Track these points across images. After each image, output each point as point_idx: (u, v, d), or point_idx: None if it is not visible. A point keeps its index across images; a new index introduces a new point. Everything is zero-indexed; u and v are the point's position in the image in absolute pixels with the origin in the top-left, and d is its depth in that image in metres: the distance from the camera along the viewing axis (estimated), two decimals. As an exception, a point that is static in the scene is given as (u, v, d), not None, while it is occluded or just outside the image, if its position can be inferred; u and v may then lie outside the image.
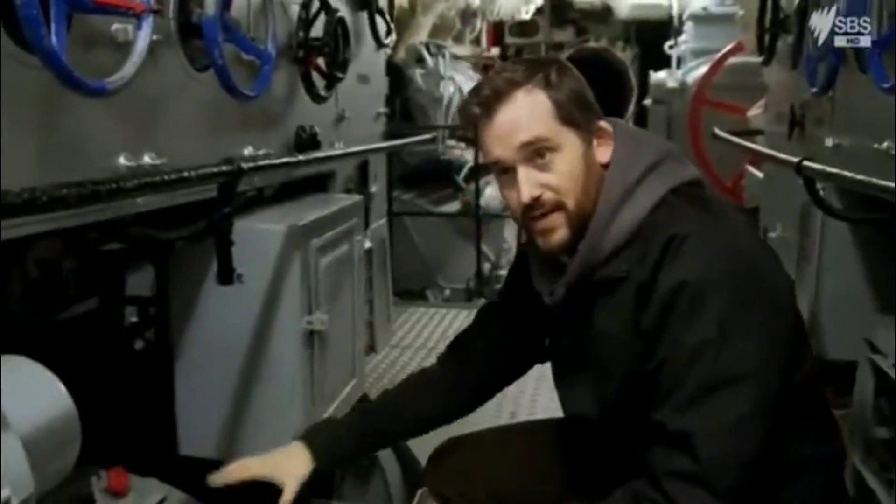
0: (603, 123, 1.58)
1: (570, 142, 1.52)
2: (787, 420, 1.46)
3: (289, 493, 1.68)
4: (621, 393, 1.57)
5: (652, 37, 9.28)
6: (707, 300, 1.39)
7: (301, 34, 2.91)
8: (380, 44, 4.27)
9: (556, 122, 1.51)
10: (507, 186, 1.56)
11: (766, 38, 3.60)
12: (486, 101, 1.53)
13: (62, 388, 1.56)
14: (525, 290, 1.73)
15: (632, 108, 9.65)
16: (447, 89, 6.67)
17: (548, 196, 1.52)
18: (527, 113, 1.51)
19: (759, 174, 4.34)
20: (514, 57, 11.38)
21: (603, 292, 1.55)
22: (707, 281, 1.40)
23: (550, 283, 1.64)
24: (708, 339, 1.39)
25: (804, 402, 1.53)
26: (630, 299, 1.50)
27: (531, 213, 1.53)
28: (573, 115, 1.52)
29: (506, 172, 1.55)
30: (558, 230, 1.54)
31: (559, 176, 1.51)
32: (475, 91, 1.56)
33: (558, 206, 1.52)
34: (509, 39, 10.64)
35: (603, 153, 1.57)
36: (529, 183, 1.51)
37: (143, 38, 1.75)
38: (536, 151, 1.51)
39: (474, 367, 1.89)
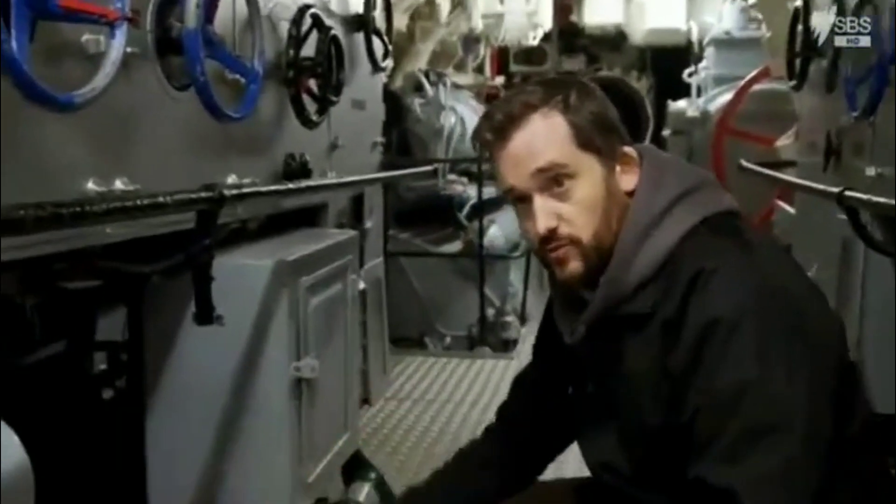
0: (628, 149, 1.56)
1: (589, 168, 1.51)
2: (838, 477, 1.40)
3: None
4: (653, 445, 1.52)
5: (669, 64, 9.36)
6: (742, 336, 1.36)
7: (291, 53, 2.91)
8: (376, 67, 4.27)
9: (574, 147, 1.50)
10: (524, 216, 1.55)
11: (797, 61, 3.59)
12: (499, 126, 1.53)
13: (15, 439, 1.50)
14: (554, 338, 1.71)
15: (648, 140, 9.69)
16: (448, 120, 6.69)
17: (563, 229, 1.51)
18: (543, 138, 1.50)
19: (791, 209, 4.30)
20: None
21: (628, 330, 1.52)
22: (741, 315, 1.37)
23: (572, 320, 1.61)
24: (746, 379, 1.35)
25: (856, 460, 1.47)
26: (658, 337, 1.47)
27: (546, 244, 1.53)
28: (593, 139, 1.52)
29: (522, 201, 1.55)
30: (572, 262, 1.53)
31: (577, 206, 1.51)
32: (488, 115, 1.56)
33: (572, 241, 1.52)
34: (514, 67, 10.73)
35: (628, 181, 1.55)
36: (545, 213, 1.51)
37: (117, 48, 1.73)
38: (553, 179, 1.51)
39: (521, 442, 1.88)
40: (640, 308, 1.50)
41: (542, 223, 1.50)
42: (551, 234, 1.51)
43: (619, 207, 1.53)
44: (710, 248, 1.46)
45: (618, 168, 1.54)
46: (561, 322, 1.66)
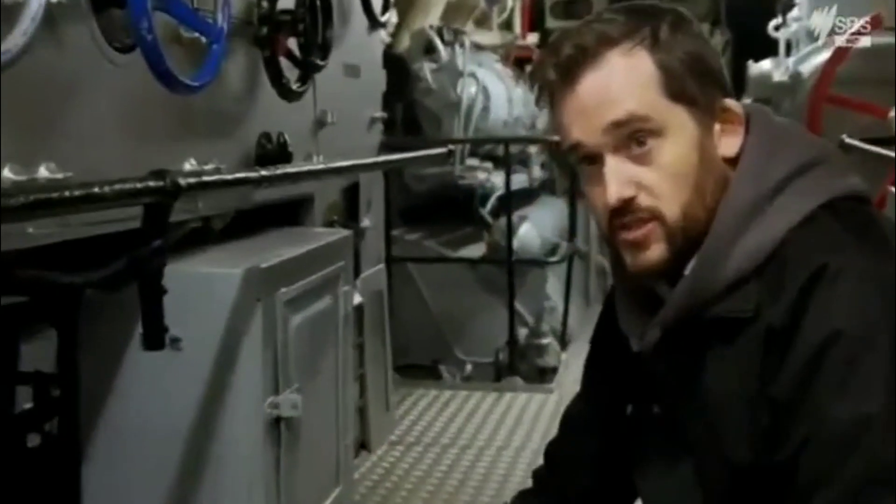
0: (731, 103, 1.55)
1: (680, 124, 1.49)
2: None
3: None
4: (737, 487, 1.50)
5: (749, 15, 9.29)
6: (870, 359, 1.35)
7: (265, 5, 2.92)
8: (375, 22, 4.28)
9: (662, 96, 1.48)
10: (591, 182, 1.53)
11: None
12: (566, 62, 1.50)
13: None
14: (614, 349, 1.70)
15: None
16: (467, 90, 6.69)
17: (643, 200, 1.49)
18: (622, 81, 1.48)
19: (909, 198, 4.27)
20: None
21: (717, 339, 1.50)
22: (872, 332, 1.36)
23: (643, 322, 1.59)
24: (871, 413, 1.34)
25: None
26: (756, 350, 1.45)
27: (619, 219, 1.51)
28: (688, 87, 1.49)
29: (590, 163, 1.53)
30: (653, 245, 1.50)
31: (661, 171, 1.48)
32: (554, 48, 1.53)
33: (654, 216, 1.50)
34: (552, 23, 10.70)
35: (728, 144, 1.54)
36: (619, 179, 1.48)
37: (38, -2, 1.73)
38: (632, 136, 1.48)
39: (580, 494, 1.87)
40: (738, 311, 1.48)
41: (615, 191, 1.47)
42: (626, 206, 1.49)
43: (715, 178, 1.51)
44: (835, 241, 1.44)
45: (717, 127, 1.53)
46: (628, 323, 1.64)
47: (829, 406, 1.36)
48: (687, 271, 1.52)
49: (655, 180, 1.48)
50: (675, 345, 1.55)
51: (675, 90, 1.48)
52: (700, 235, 1.50)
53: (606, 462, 1.82)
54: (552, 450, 1.93)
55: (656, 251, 1.50)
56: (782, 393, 1.40)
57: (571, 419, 1.91)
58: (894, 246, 1.46)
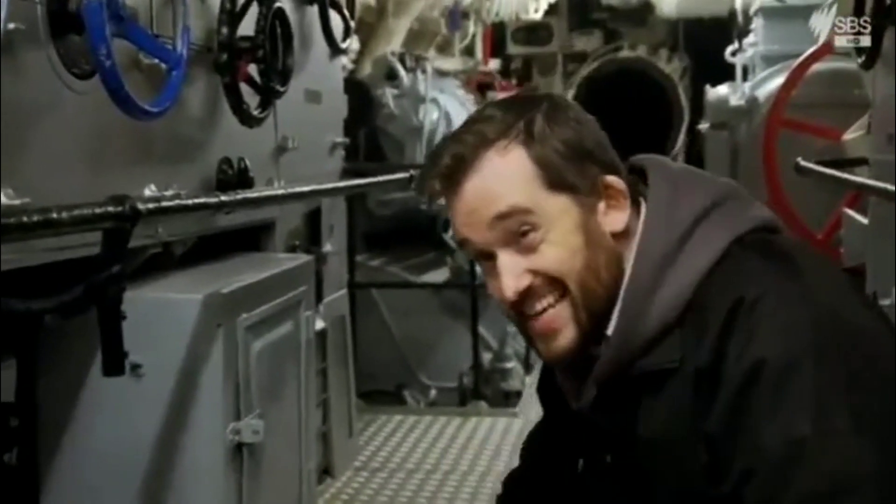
0: (613, 180, 1.56)
1: (562, 211, 1.52)
2: None
3: None
4: None
5: (707, 41, 9.40)
6: (796, 383, 1.36)
7: (225, 31, 2.91)
8: (336, 49, 4.28)
9: (541, 187, 1.51)
10: (489, 276, 1.57)
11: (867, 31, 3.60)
12: (447, 172, 1.54)
13: None
14: (560, 403, 1.71)
15: (682, 137, 9.72)
16: (429, 116, 6.72)
17: (541, 282, 1.52)
18: (501, 178, 1.52)
19: (863, 220, 4.31)
20: (518, 70, 11.55)
21: (648, 389, 1.52)
22: (794, 356, 1.37)
23: (577, 382, 1.61)
24: (802, 436, 1.35)
25: None
26: (685, 394, 1.46)
27: (523, 308, 1.54)
28: (566, 175, 1.52)
29: (485, 259, 1.56)
30: (563, 330, 1.53)
31: (551, 258, 1.51)
32: (434, 158, 1.57)
33: (557, 291, 1.52)
34: (513, 49, 10.78)
35: (614, 220, 1.56)
36: (513, 272, 1.51)
37: (-5, 24, 1.72)
38: (517, 230, 1.52)
39: None
40: (663, 363, 1.49)
41: (511, 285, 1.50)
42: (526, 294, 1.51)
43: (606, 255, 1.53)
44: (748, 274, 1.46)
45: (601, 205, 1.55)
46: (564, 382, 1.66)
47: (761, 435, 1.37)
48: (609, 331, 1.53)
49: (547, 265, 1.50)
50: (610, 398, 1.56)
51: (553, 180, 1.51)
52: (601, 310, 1.52)
53: (561, 490, 1.83)
54: (509, 479, 1.94)
55: (566, 336, 1.53)
56: (716, 428, 1.42)
57: (529, 446, 1.92)
58: (805, 267, 1.48)
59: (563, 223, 1.51)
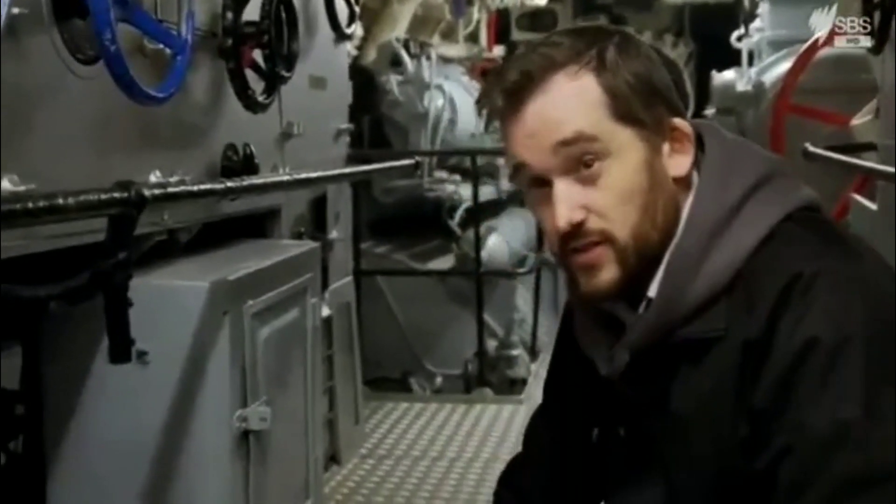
0: (680, 122, 1.53)
1: (627, 145, 1.48)
2: None
3: None
4: (712, 500, 1.49)
5: (712, 26, 9.39)
6: (848, 365, 1.35)
7: (229, 16, 2.90)
8: (341, 35, 4.27)
9: (609, 117, 1.48)
10: (540, 204, 1.52)
11: (876, 15, 3.59)
12: (512, 87, 1.49)
13: None
14: (573, 369, 1.69)
15: (687, 122, 9.65)
16: (434, 103, 6.70)
17: (593, 223, 1.48)
18: (568, 103, 1.48)
19: (871, 205, 4.30)
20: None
21: (688, 359, 1.49)
22: (848, 338, 1.36)
23: (607, 346, 1.58)
24: (849, 419, 1.34)
25: None
26: (731, 366, 1.44)
27: (570, 242, 1.50)
28: (634, 109, 1.49)
29: (539, 186, 1.52)
30: (605, 268, 1.49)
31: (609, 193, 1.48)
32: (499, 73, 1.52)
33: (605, 238, 1.49)
34: (518, 35, 10.76)
35: (678, 163, 1.53)
36: (568, 202, 1.47)
37: None
38: (580, 157, 1.47)
39: None
40: (707, 331, 1.47)
41: (565, 215, 1.47)
42: (576, 230, 1.48)
43: (665, 198, 1.51)
44: (804, 250, 1.44)
45: (666, 147, 1.52)
46: (591, 347, 1.63)
47: (807, 414, 1.36)
48: (651, 293, 1.51)
49: (604, 203, 1.47)
50: (644, 367, 1.54)
51: (622, 112, 1.48)
52: (653, 255, 1.50)
53: (566, 486, 1.83)
54: (513, 468, 1.94)
55: (608, 274, 1.50)
56: (761, 402, 1.40)
57: (533, 439, 1.91)
58: (858, 249, 1.47)
59: (628, 157, 1.48)
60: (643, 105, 1.49)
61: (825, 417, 1.35)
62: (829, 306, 1.37)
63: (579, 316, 1.67)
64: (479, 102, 1.57)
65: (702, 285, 1.47)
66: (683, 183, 1.52)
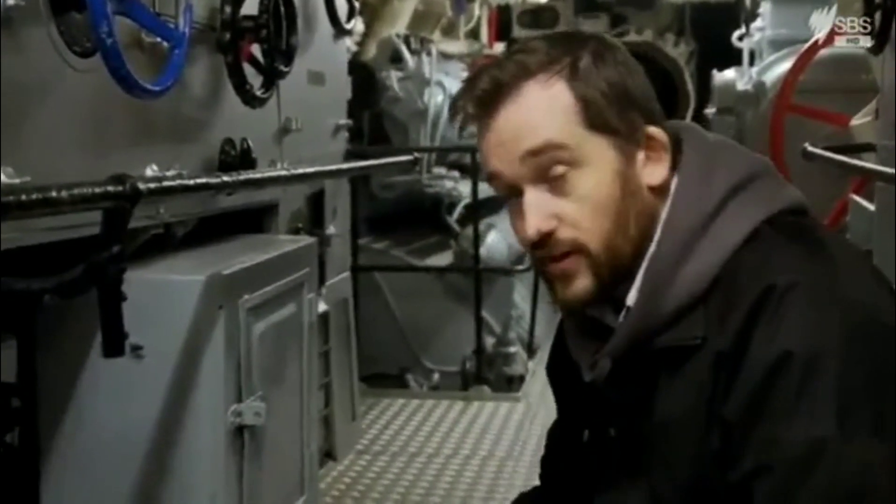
0: (655, 131, 1.51)
1: (599, 154, 1.47)
2: None
3: None
4: None
5: (714, 25, 9.38)
6: (821, 378, 1.33)
7: (228, 9, 2.89)
8: (340, 30, 4.27)
9: (580, 125, 1.46)
10: (514, 214, 1.52)
11: (877, 14, 3.58)
12: (483, 95, 1.49)
13: None
14: (569, 370, 1.68)
15: (688, 120, 9.66)
16: (434, 99, 6.69)
17: (563, 233, 1.47)
18: (538, 111, 1.47)
19: (870, 206, 4.29)
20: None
21: (666, 366, 1.48)
22: (822, 352, 1.34)
23: (592, 352, 1.58)
24: (824, 436, 1.32)
25: None
26: (705, 375, 1.43)
27: (542, 251, 1.50)
28: (607, 116, 1.47)
29: (513, 195, 1.52)
30: (578, 277, 1.49)
31: (581, 203, 1.46)
32: (471, 81, 1.52)
33: (577, 249, 1.48)
34: (519, 32, 10.73)
35: (653, 172, 1.51)
36: (539, 212, 1.47)
37: (-5, 0, 1.71)
38: (549, 167, 1.47)
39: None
40: (685, 339, 1.46)
41: (534, 223, 1.46)
42: (546, 240, 1.48)
43: (639, 208, 1.49)
44: (781, 259, 1.42)
45: (641, 155, 1.50)
46: (577, 352, 1.63)
47: (781, 430, 1.35)
48: (629, 301, 1.50)
49: (575, 212, 1.46)
50: (625, 373, 1.53)
51: (594, 120, 1.46)
52: (628, 265, 1.49)
53: (574, 485, 1.82)
54: (543, 463, 1.93)
55: (582, 283, 1.49)
56: (733, 415, 1.39)
57: (550, 437, 1.91)
58: (839, 257, 1.45)
59: (600, 166, 1.47)
60: (617, 113, 1.48)
61: (800, 434, 1.33)
62: (803, 320, 1.36)
63: (567, 321, 1.67)
64: (452, 108, 1.56)
65: (679, 292, 1.46)
66: (660, 190, 1.51)
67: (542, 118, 1.46)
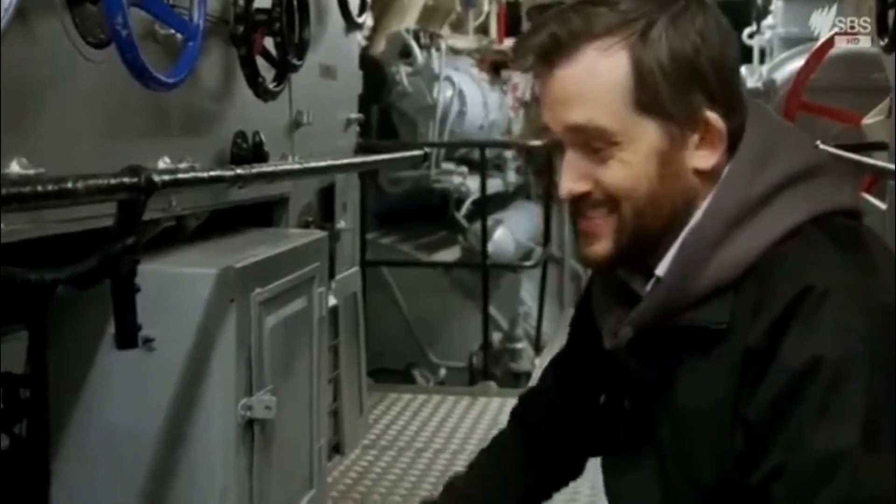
0: (714, 118, 1.45)
1: (643, 137, 1.44)
2: None
3: None
4: (705, 499, 1.49)
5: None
6: (850, 389, 1.32)
7: (241, 3, 2.90)
8: (352, 24, 4.26)
9: (629, 106, 1.43)
10: (557, 167, 1.53)
11: (891, 13, 3.57)
12: (541, 51, 1.46)
13: None
14: (593, 335, 1.67)
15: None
16: (443, 94, 6.70)
17: (598, 195, 1.47)
18: (588, 85, 1.44)
19: (881, 204, 4.28)
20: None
21: (690, 347, 1.48)
22: (852, 360, 1.33)
23: (616, 318, 1.57)
24: (847, 447, 1.31)
25: None
26: (729, 366, 1.42)
27: (577, 206, 1.50)
28: (662, 98, 1.43)
29: (558, 150, 1.52)
30: (601, 239, 1.50)
31: (617, 175, 1.45)
32: (536, 27, 1.48)
33: (610, 210, 1.48)
34: (528, 28, 10.71)
35: (703, 158, 1.47)
36: (574, 174, 1.47)
37: (11, -9, 1.71)
38: (591, 139, 1.45)
39: (543, 443, 1.90)
40: (711, 322, 1.44)
41: (566, 186, 1.47)
42: (580, 199, 1.48)
43: (679, 190, 1.47)
44: (820, 260, 1.39)
45: (693, 139, 1.46)
46: (601, 315, 1.62)
47: (805, 436, 1.34)
48: (659, 271, 1.49)
49: (610, 181, 1.46)
50: (647, 345, 1.52)
51: (647, 101, 1.43)
52: (652, 239, 1.48)
53: (570, 432, 1.87)
54: (525, 401, 1.97)
55: (602, 246, 1.49)
56: (758, 416, 1.38)
57: (549, 379, 1.93)
58: (882, 266, 1.43)
59: (642, 147, 1.44)
60: (675, 94, 1.43)
61: (823, 442, 1.33)
62: (837, 326, 1.34)
63: (597, 283, 1.67)
64: (514, 48, 1.54)
65: (710, 276, 1.44)
66: (708, 175, 1.47)
67: (592, 94, 1.43)
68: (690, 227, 1.47)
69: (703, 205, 1.48)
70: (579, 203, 1.49)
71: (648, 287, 1.52)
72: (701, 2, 1.45)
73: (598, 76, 1.43)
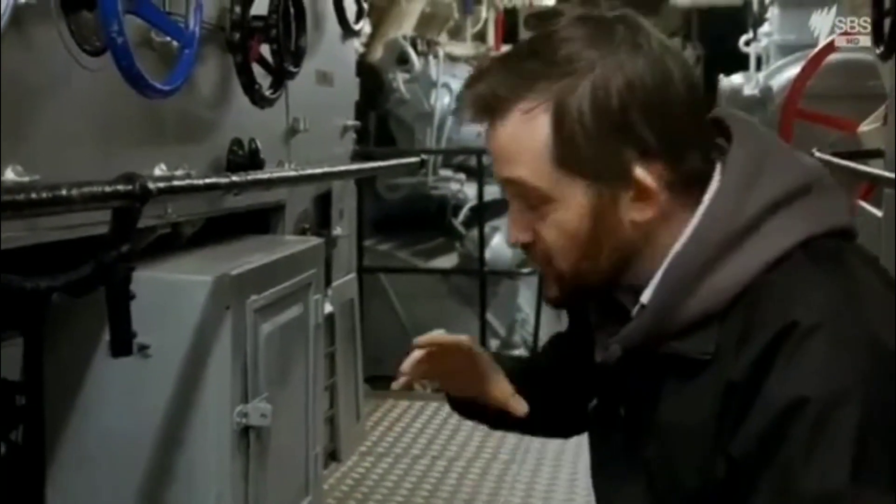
0: (640, 175, 1.41)
1: (570, 195, 1.43)
2: None
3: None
4: None
5: (720, 30, 9.38)
6: (837, 427, 1.29)
7: (237, 9, 2.89)
8: (348, 30, 4.26)
9: (554, 166, 1.42)
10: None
11: (887, 21, 3.58)
12: (476, 108, 1.49)
13: None
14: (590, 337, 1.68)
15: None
16: (440, 101, 6.69)
17: (538, 247, 1.49)
18: (515, 145, 1.45)
19: (878, 212, 4.28)
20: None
21: (676, 371, 1.46)
22: (839, 399, 1.30)
23: (608, 332, 1.55)
24: (836, 489, 1.29)
25: None
26: (712, 396, 1.40)
27: (526, 252, 1.54)
28: (586, 159, 1.41)
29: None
30: (550, 284, 1.54)
31: (551, 230, 1.46)
32: (474, 79, 1.48)
33: (547, 263, 1.50)
34: (525, 35, 10.71)
35: (641, 210, 1.44)
36: (519, 224, 1.50)
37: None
38: (524, 194, 1.47)
39: (545, 394, 1.87)
40: (696, 352, 1.42)
41: (513, 234, 1.50)
42: (526, 248, 1.51)
43: (617, 242, 1.46)
44: (809, 291, 1.36)
45: (627, 194, 1.43)
46: (595, 325, 1.61)
47: (792, 478, 1.32)
48: (644, 298, 1.46)
49: (546, 236, 1.46)
50: (635, 364, 1.51)
51: (570, 160, 1.41)
52: (596, 287, 1.50)
53: (568, 378, 1.84)
54: (535, 355, 2.02)
55: (552, 290, 1.52)
56: (741, 452, 1.36)
57: (552, 349, 1.95)
58: (868, 296, 1.39)
59: (573, 206, 1.43)
60: (599, 153, 1.41)
61: (812, 486, 1.31)
62: (821, 365, 1.31)
63: None
64: (458, 101, 1.58)
65: (697, 305, 1.41)
66: (660, 217, 1.44)
67: (518, 154, 1.44)
68: (674, 252, 1.44)
69: (688, 230, 1.44)
70: (527, 250, 1.52)
71: (634, 311, 1.50)
72: (637, 44, 1.42)
73: (522, 137, 1.43)
